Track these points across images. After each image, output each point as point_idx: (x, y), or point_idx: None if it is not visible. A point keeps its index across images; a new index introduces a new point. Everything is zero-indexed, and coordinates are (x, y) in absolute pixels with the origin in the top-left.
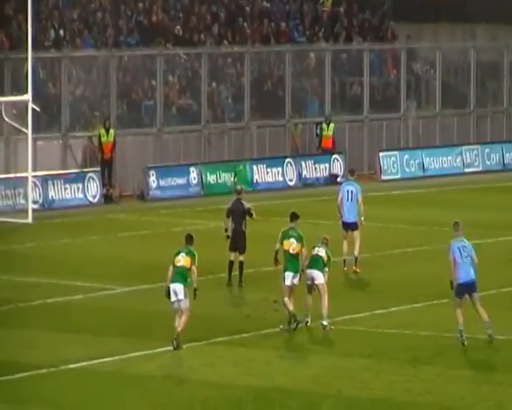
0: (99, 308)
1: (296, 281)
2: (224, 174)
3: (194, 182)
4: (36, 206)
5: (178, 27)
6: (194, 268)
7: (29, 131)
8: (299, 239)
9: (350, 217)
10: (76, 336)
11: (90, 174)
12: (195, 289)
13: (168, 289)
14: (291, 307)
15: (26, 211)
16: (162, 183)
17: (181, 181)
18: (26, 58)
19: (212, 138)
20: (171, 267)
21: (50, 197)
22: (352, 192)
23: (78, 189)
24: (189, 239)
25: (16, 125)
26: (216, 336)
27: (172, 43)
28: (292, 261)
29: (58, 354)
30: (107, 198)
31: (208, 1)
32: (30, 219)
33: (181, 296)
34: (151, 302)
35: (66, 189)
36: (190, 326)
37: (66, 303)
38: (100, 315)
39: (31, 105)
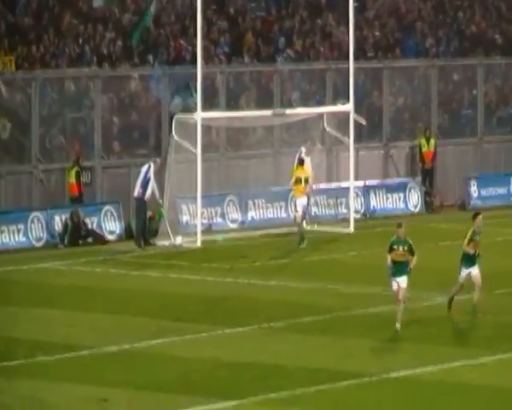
0: (419, 318)
1: None
2: None
3: None
4: (357, 215)
5: (497, 36)
6: None
7: (351, 142)
8: None
9: None
10: (397, 344)
11: (411, 184)
12: None
13: None
14: None
15: (348, 220)
16: (483, 192)
17: (501, 191)
18: (349, 68)
19: None
20: None
21: (372, 207)
22: None
23: (400, 198)
24: None
25: (338, 136)
26: None
27: (493, 52)
28: None
29: (380, 362)
30: (428, 208)
31: None
32: (351, 229)
33: None
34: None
35: (387, 198)
36: None
37: (388, 312)
38: (420, 325)
39: (353, 115)
